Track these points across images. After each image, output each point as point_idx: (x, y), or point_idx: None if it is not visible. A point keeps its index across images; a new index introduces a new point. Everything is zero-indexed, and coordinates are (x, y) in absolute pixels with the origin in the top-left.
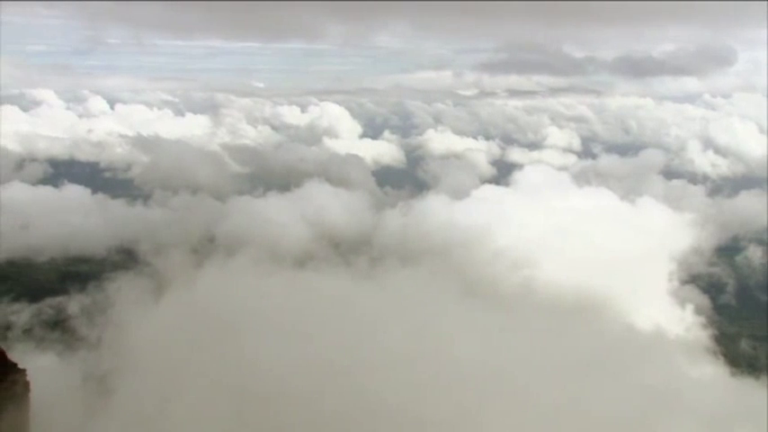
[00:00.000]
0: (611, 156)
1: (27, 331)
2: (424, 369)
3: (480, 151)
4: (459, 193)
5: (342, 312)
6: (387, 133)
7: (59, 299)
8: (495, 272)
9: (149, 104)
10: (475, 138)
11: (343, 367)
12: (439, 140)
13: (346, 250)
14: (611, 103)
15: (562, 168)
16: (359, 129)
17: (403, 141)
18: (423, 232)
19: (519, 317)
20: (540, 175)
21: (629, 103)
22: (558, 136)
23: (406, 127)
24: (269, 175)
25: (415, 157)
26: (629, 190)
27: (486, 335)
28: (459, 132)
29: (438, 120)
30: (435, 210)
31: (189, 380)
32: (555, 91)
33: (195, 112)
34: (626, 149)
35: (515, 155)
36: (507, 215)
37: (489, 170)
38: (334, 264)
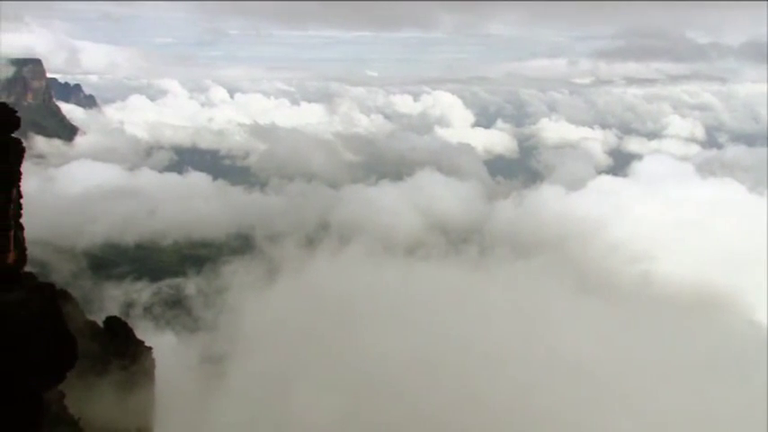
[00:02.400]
0: (739, 145)
1: (147, 309)
2: (536, 365)
3: (596, 141)
4: (574, 184)
5: (452, 303)
6: (499, 122)
7: (178, 280)
8: (611, 266)
9: (266, 94)
10: (591, 127)
11: (454, 359)
12: (553, 129)
13: (457, 240)
14: (740, 91)
15: (684, 159)
16: (471, 118)
17: (516, 130)
18: (536, 223)
19: (636, 313)
20: (661, 165)
21: (759, 90)
22: (680, 125)
23: (519, 116)
24: (381, 163)
25: (528, 147)
26: (759, 181)
27: (602, 331)
28: (575, 121)
29: (552, 108)
30: (549, 200)
31: (301, 366)
32: (676, 78)
33: (310, 101)
34: (755, 139)
35: (633, 144)
36: (625, 207)
37: (606, 160)
38: (444, 253)
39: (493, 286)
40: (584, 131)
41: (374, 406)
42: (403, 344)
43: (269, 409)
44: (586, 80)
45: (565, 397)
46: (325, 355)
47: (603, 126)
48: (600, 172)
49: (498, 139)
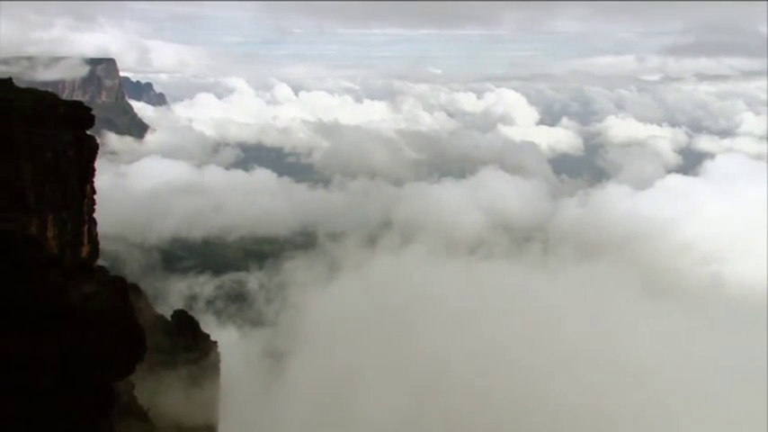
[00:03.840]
0: None
1: (210, 303)
2: (603, 367)
3: (665, 139)
4: (642, 183)
5: (515, 303)
6: (565, 120)
7: (241, 274)
8: (680, 267)
9: (330, 91)
10: (659, 125)
11: (516, 359)
12: (620, 127)
13: (520, 239)
14: None
15: (758, 157)
16: (536, 115)
17: (581, 128)
18: (601, 223)
19: (706, 316)
20: (734, 164)
21: None
22: (753, 122)
23: (585, 113)
24: (444, 161)
25: (594, 145)
26: None
27: (670, 334)
28: (643, 119)
29: (620, 106)
30: (615, 200)
31: (362, 364)
32: (750, 74)
33: (373, 99)
34: None
35: (704, 143)
36: (695, 207)
37: (675, 159)
38: (507, 252)
39: (557, 286)
40: (652, 129)
41: (436, 404)
42: (464, 343)
43: (330, 406)
44: (655, 77)
45: (632, 400)
46: (387, 353)
47: (673, 124)
48: (669, 171)
49: (563, 137)
